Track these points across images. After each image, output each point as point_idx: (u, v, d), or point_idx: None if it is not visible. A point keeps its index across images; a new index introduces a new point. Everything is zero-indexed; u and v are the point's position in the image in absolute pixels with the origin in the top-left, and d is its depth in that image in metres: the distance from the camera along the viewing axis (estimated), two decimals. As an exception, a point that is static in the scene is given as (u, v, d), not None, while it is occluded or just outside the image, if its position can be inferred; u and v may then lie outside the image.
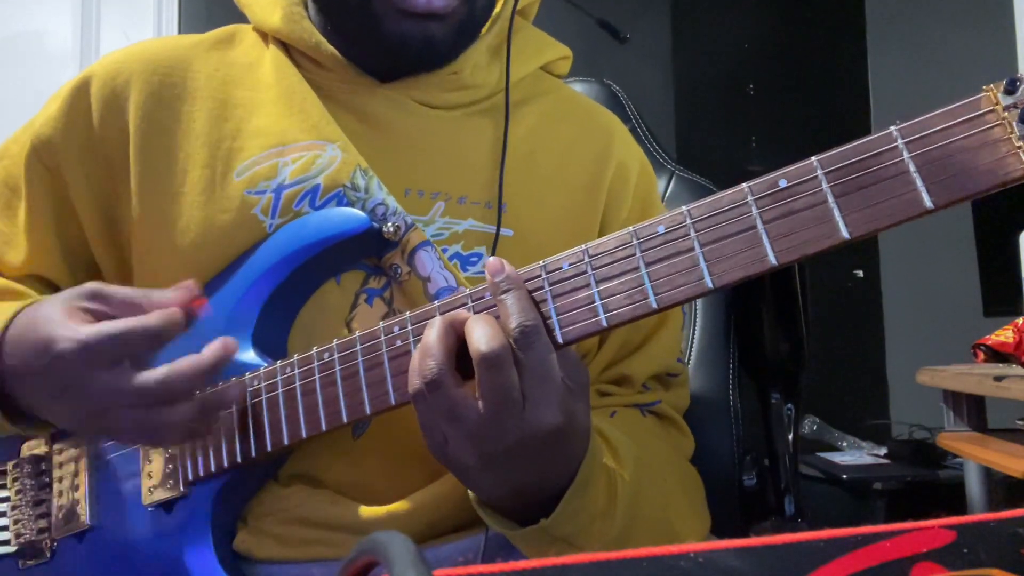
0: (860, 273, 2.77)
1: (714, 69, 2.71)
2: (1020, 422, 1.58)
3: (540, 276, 0.55)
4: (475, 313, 0.56)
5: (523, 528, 0.58)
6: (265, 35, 0.79)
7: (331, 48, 0.75)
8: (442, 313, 0.57)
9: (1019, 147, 0.44)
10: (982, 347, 1.57)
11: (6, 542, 0.73)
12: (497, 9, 0.79)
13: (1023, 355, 1.47)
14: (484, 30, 0.78)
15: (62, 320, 0.60)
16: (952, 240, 2.31)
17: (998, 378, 1.40)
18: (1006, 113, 0.44)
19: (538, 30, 0.84)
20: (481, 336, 0.52)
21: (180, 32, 2.36)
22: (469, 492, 0.61)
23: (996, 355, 1.53)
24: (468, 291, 0.57)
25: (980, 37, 2.46)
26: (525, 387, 0.52)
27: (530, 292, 0.54)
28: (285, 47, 0.77)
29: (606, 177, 0.78)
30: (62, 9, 2.32)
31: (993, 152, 0.44)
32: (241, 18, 0.81)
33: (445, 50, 0.74)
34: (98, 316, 0.61)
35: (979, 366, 1.59)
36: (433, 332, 0.54)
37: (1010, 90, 0.44)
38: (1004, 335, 1.52)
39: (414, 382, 0.54)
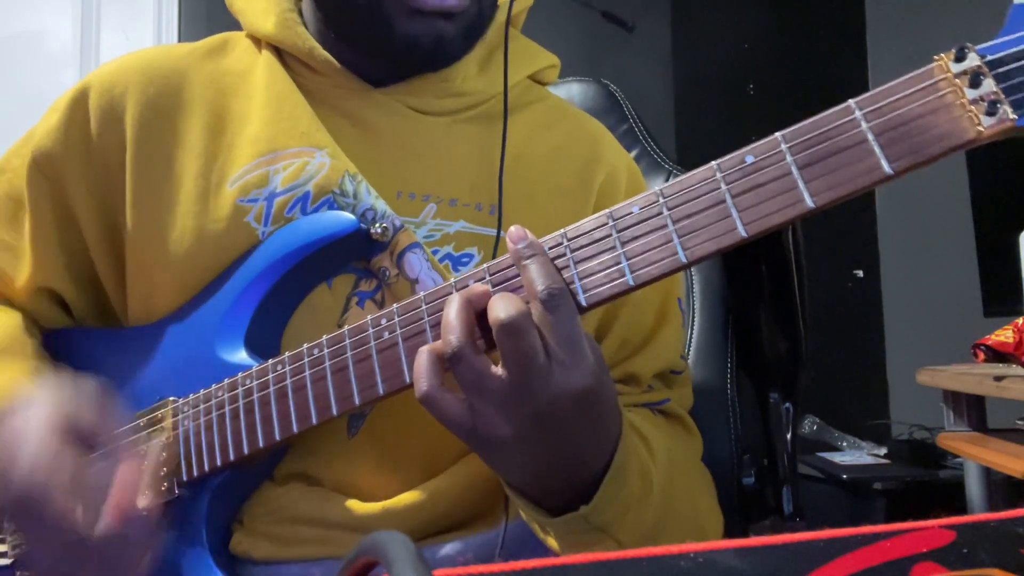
0: (860, 273, 2.77)
1: (714, 69, 2.71)
2: (1020, 422, 1.58)
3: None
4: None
5: (559, 517, 0.57)
6: (258, 41, 0.79)
7: (324, 53, 0.75)
8: (427, 303, 0.58)
9: (971, 110, 0.46)
10: (982, 347, 1.57)
11: (3, 554, 0.73)
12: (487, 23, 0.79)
13: (1023, 355, 1.47)
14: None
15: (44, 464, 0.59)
16: (952, 240, 2.31)
17: (998, 378, 1.40)
18: (957, 80, 0.47)
19: (527, 39, 0.85)
20: (499, 306, 0.52)
21: (180, 32, 2.36)
22: (502, 481, 0.60)
23: (996, 355, 1.53)
24: (453, 281, 0.58)
25: (980, 38, 2.45)
26: (552, 350, 0.52)
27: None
28: (278, 53, 0.77)
29: (595, 182, 0.79)
30: (62, 9, 2.32)
31: (947, 116, 0.47)
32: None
33: (455, 49, 0.74)
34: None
35: (979, 366, 1.59)
36: (452, 309, 0.54)
37: (960, 57, 0.47)
38: (1004, 335, 1.52)
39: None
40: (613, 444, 0.58)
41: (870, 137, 0.48)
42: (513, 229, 0.55)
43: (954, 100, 0.47)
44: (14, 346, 0.74)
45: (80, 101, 0.75)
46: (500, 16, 0.79)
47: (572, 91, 1.13)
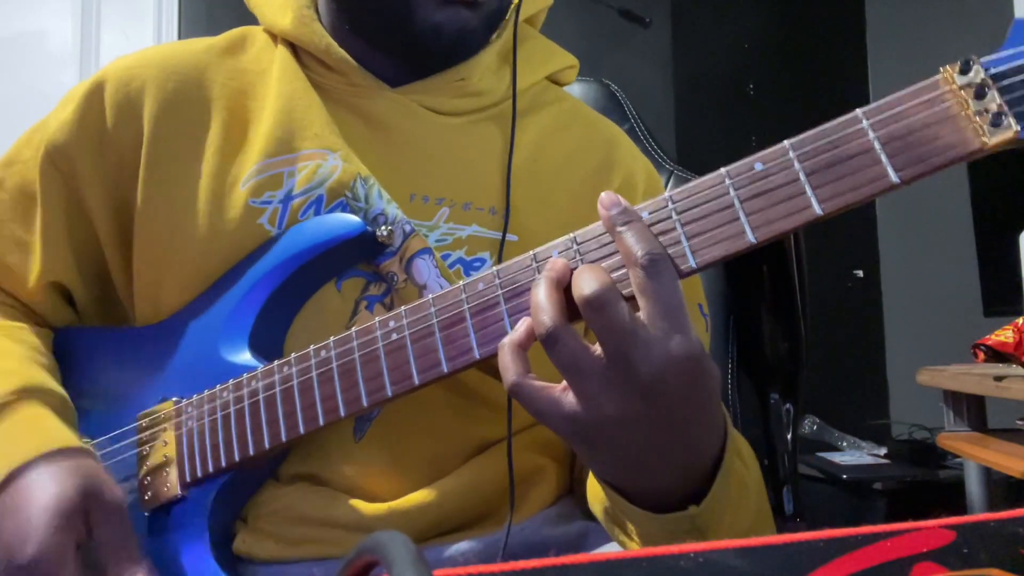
0: (860, 273, 2.77)
1: (714, 69, 2.71)
2: (1020, 422, 1.58)
3: (531, 266, 0.55)
4: (470, 307, 0.56)
5: (666, 514, 0.53)
6: (275, 36, 0.79)
7: (340, 51, 0.75)
8: (436, 306, 0.58)
9: (976, 122, 0.47)
10: (982, 347, 1.57)
11: None
12: (505, 18, 0.79)
13: (1023, 355, 1.47)
14: (493, 37, 0.78)
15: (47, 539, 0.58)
16: (952, 240, 2.31)
17: (998, 378, 1.41)
18: (962, 91, 0.48)
19: (545, 39, 0.84)
20: (583, 280, 0.50)
21: (180, 32, 2.36)
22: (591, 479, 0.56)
23: (996, 355, 1.53)
24: (462, 284, 0.57)
25: (980, 38, 2.46)
26: (653, 318, 0.49)
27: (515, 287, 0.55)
28: (294, 50, 0.77)
29: (611, 186, 0.78)
30: (62, 9, 2.32)
31: (952, 127, 0.47)
32: (242, 18, 0.81)
33: (475, 41, 0.75)
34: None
35: (979, 366, 1.59)
36: (541, 290, 0.52)
37: (964, 70, 0.48)
38: (1004, 335, 1.52)
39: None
40: (721, 434, 0.54)
41: (877, 146, 0.48)
42: (605, 195, 0.53)
43: (959, 111, 0.47)
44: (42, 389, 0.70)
45: (96, 94, 0.75)
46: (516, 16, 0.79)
47: (574, 91, 1.13)
